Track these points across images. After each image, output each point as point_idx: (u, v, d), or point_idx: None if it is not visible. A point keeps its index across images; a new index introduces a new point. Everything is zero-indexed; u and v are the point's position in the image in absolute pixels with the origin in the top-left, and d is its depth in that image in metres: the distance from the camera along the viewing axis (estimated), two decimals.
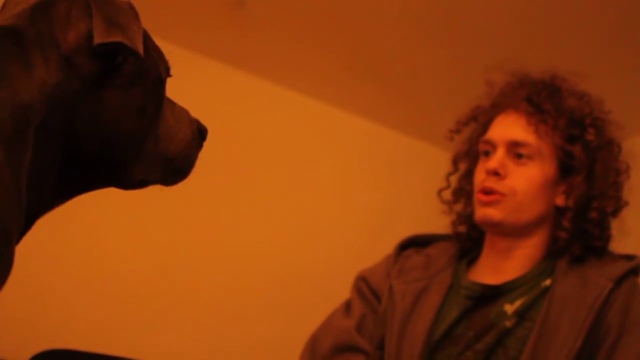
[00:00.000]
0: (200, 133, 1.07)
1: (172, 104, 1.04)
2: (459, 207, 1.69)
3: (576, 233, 1.53)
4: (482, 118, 1.67)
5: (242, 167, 2.77)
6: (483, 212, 1.55)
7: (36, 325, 2.21)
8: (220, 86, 2.75)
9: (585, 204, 1.53)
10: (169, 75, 1.01)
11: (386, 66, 2.78)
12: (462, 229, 1.68)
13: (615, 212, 1.57)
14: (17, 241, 0.90)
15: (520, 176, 1.53)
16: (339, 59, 2.86)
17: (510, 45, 2.53)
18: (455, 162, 1.72)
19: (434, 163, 2.86)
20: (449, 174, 1.73)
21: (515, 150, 1.54)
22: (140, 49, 0.89)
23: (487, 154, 1.59)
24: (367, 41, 2.71)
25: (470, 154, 1.68)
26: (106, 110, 0.91)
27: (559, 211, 1.56)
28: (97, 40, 0.86)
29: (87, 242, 2.41)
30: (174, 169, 1.02)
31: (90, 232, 2.40)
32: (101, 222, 2.40)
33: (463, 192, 1.68)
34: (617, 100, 1.65)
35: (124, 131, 0.93)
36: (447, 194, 1.72)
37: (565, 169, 1.55)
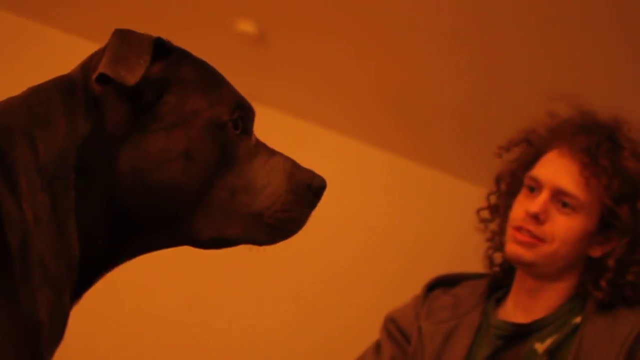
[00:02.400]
0: (310, 188, 0.95)
1: (269, 153, 0.96)
2: (494, 226, 1.65)
3: (610, 290, 1.49)
4: (535, 144, 1.61)
5: None
6: (514, 249, 1.52)
7: None
8: None
9: (624, 266, 1.49)
10: (238, 118, 0.93)
11: (408, 102, 2.80)
12: (498, 257, 1.64)
13: None
14: (78, 295, 0.87)
15: (561, 225, 1.49)
16: (360, 93, 2.89)
17: (536, 83, 2.54)
18: (497, 181, 1.67)
19: (462, 198, 2.87)
20: (490, 194, 1.67)
21: (561, 197, 1.50)
22: (129, 78, 0.82)
23: (532, 190, 1.53)
24: (389, 77, 2.73)
25: (515, 177, 1.62)
26: (145, 155, 0.86)
27: (591, 261, 1.53)
28: (93, 75, 0.84)
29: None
30: (267, 225, 0.92)
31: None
32: None
33: (499, 211, 1.64)
34: None
35: (167, 180, 0.86)
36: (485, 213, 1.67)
37: (605, 222, 1.51)
